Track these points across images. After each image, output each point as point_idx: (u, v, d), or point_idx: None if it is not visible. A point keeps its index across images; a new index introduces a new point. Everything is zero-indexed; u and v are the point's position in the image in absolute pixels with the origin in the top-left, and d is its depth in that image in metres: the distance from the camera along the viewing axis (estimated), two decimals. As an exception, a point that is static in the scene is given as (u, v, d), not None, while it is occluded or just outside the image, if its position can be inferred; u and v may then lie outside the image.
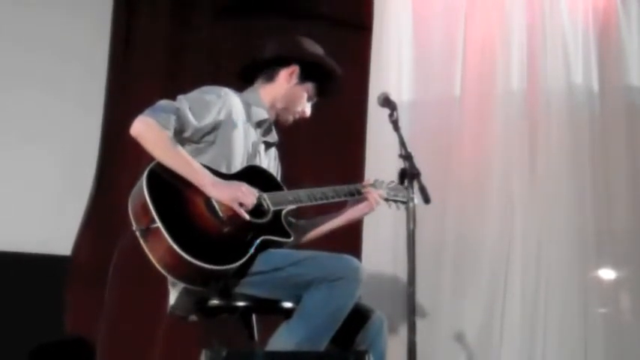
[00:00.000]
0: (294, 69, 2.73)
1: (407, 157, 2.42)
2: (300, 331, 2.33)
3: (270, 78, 2.75)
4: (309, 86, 2.76)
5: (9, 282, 3.67)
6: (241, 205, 2.43)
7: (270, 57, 2.77)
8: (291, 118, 2.80)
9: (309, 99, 2.78)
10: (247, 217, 2.43)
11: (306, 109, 2.79)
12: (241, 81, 2.81)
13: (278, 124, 2.81)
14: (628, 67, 3.88)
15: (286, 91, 2.74)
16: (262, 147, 2.76)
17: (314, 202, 2.63)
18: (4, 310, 3.60)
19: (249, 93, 2.76)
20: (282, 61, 2.74)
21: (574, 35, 3.88)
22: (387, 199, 2.79)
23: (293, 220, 2.77)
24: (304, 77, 2.74)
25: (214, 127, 2.57)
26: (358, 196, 2.74)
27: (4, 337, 3.55)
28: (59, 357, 3.74)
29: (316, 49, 2.80)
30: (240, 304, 2.46)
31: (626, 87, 3.87)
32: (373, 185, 2.79)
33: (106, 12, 4.10)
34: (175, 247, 2.27)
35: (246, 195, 2.45)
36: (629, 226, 3.74)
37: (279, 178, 2.85)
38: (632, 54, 3.89)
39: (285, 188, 2.68)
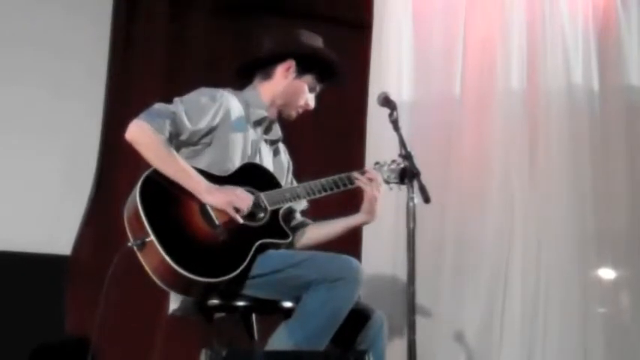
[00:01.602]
0: (290, 64, 2.71)
1: (407, 156, 2.42)
2: (300, 331, 2.33)
3: (268, 75, 2.73)
4: (309, 78, 2.73)
5: (9, 281, 3.66)
6: (237, 210, 2.42)
7: (264, 55, 2.75)
8: (294, 113, 2.77)
9: (311, 91, 2.75)
10: (241, 220, 2.42)
11: (310, 101, 2.76)
12: (240, 79, 2.79)
13: (281, 119, 2.79)
14: (628, 67, 3.88)
15: (285, 87, 2.72)
16: (264, 145, 2.74)
17: (312, 196, 2.61)
18: (4, 309, 3.60)
19: (248, 91, 2.75)
20: (279, 57, 2.72)
21: (574, 35, 3.89)
22: (387, 182, 2.70)
23: (300, 217, 2.77)
24: (302, 70, 2.71)
25: (210, 130, 2.55)
26: (355, 185, 2.66)
27: (4, 337, 3.54)
28: (59, 357, 3.73)
29: (313, 40, 2.77)
30: (240, 303, 2.45)
31: (626, 87, 3.87)
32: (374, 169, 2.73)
33: (106, 11, 4.10)
34: (170, 261, 2.26)
35: (241, 199, 2.44)
36: (629, 226, 3.74)
37: (290, 173, 2.84)
38: (632, 54, 3.90)
39: (289, 182, 2.67)
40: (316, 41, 2.79)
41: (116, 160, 3.92)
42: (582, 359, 3.57)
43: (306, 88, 2.74)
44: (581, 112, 3.80)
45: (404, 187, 2.57)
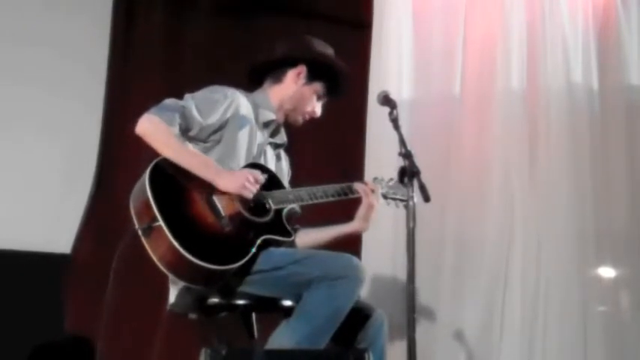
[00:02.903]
0: (302, 69, 2.74)
1: (407, 155, 2.42)
2: (301, 330, 2.33)
3: (278, 79, 2.76)
4: (318, 86, 2.76)
5: (9, 280, 3.66)
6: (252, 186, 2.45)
7: (277, 58, 2.78)
8: (300, 119, 2.80)
9: (318, 99, 2.78)
10: (254, 190, 2.45)
11: (316, 109, 2.80)
12: (250, 82, 2.81)
13: (288, 124, 2.81)
14: (628, 67, 3.87)
15: (294, 92, 2.74)
16: (269, 148, 2.76)
17: (315, 201, 2.62)
18: (4, 309, 3.60)
19: (257, 94, 2.77)
20: (290, 62, 2.75)
21: (574, 35, 3.88)
22: (385, 197, 2.78)
23: (297, 226, 2.78)
24: (312, 77, 2.74)
25: (220, 127, 2.58)
26: (356, 194, 2.71)
27: (3, 336, 3.54)
28: (58, 355, 3.73)
29: (325, 49, 2.81)
30: (240, 302, 2.46)
31: (626, 87, 3.86)
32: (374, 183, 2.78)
33: (106, 10, 4.11)
34: (177, 245, 2.27)
35: (254, 174, 2.47)
36: (629, 226, 3.73)
37: (287, 181, 2.85)
38: (632, 54, 3.88)
39: (287, 187, 2.68)
40: (328, 50, 2.82)
41: (116, 159, 3.93)
42: (582, 359, 3.56)
43: (314, 95, 2.77)
44: (581, 112, 3.80)
45: (400, 204, 2.72)
